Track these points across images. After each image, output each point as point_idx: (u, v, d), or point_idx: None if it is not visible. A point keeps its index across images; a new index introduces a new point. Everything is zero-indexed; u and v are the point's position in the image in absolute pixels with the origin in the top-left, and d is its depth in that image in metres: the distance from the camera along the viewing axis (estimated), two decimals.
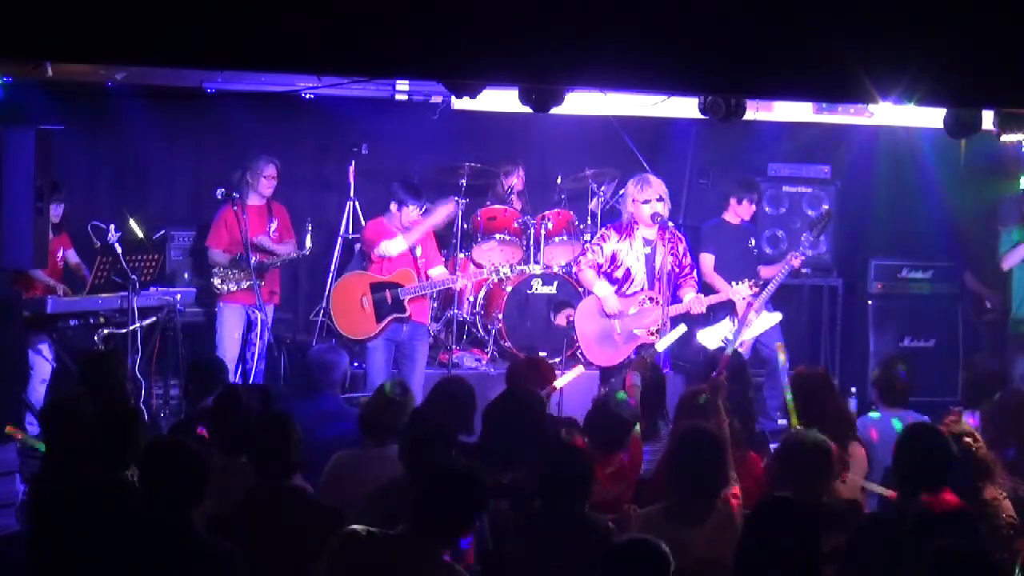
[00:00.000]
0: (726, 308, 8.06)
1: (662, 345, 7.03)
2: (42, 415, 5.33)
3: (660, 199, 7.58)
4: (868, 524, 4.34)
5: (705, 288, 7.98)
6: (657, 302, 7.48)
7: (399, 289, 7.74)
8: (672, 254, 7.61)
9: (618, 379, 6.42)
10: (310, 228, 8.23)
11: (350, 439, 5.40)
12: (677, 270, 7.67)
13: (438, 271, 7.98)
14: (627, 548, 3.71)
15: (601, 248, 7.70)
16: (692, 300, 7.59)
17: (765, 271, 8.24)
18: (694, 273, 7.80)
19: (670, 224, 7.70)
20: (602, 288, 7.65)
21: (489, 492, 4.67)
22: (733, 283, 7.81)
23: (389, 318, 7.74)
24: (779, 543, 3.75)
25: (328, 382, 6.13)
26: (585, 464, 4.43)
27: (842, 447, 5.18)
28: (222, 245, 7.99)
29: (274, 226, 8.11)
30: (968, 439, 4.90)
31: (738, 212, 8.42)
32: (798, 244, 8.28)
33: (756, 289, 7.78)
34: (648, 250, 7.67)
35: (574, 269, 7.96)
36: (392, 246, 7.77)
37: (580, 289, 8.41)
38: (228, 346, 7.91)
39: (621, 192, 8.30)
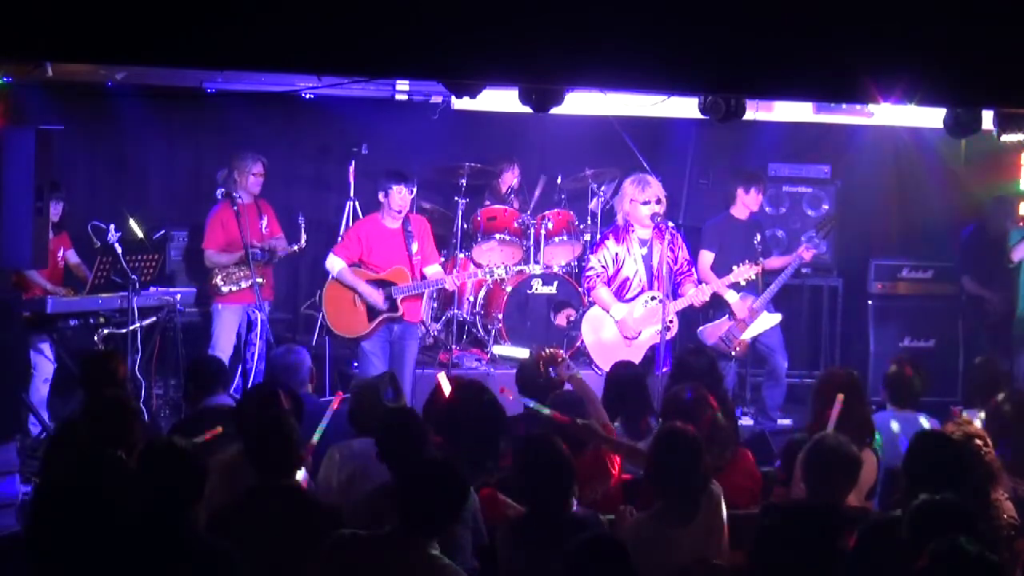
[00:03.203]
0: (725, 307, 8.06)
1: (750, 334, 7.65)
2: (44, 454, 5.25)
3: (659, 200, 7.58)
4: (872, 526, 4.34)
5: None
6: (660, 300, 7.47)
7: (392, 288, 7.70)
8: (670, 250, 7.60)
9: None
10: (303, 224, 8.21)
11: (334, 437, 5.36)
12: (675, 267, 7.66)
13: (433, 270, 7.89)
14: (585, 545, 3.72)
15: (604, 256, 7.68)
16: (694, 293, 7.58)
17: (771, 262, 8.23)
18: (692, 270, 7.79)
19: (670, 224, 7.70)
20: (618, 311, 7.62)
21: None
22: (734, 266, 7.75)
23: (381, 317, 7.71)
24: (797, 549, 3.75)
25: (296, 382, 6.11)
26: (560, 460, 4.39)
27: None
28: (219, 246, 7.96)
29: (264, 223, 8.08)
30: (979, 441, 4.90)
31: (746, 203, 8.34)
32: (798, 244, 8.29)
33: (758, 268, 7.74)
34: (645, 250, 7.66)
35: (587, 286, 7.88)
36: (332, 263, 7.75)
37: (580, 289, 8.41)
38: (224, 347, 7.87)
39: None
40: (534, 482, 4.37)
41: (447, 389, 5.58)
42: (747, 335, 8.02)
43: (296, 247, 8.20)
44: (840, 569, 3.90)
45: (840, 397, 5.27)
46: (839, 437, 4.75)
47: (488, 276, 8.25)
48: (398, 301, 7.69)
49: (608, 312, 7.67)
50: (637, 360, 7.44)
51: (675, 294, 7.64)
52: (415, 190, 7.93)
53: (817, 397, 5.59)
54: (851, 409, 5.34)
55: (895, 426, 5.89)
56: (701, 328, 8.17)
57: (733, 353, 8.05)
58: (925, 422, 5.91)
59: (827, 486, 4.55)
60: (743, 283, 7.79)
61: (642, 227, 7.64)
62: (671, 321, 7.42)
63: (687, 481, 4.45)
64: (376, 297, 7.64)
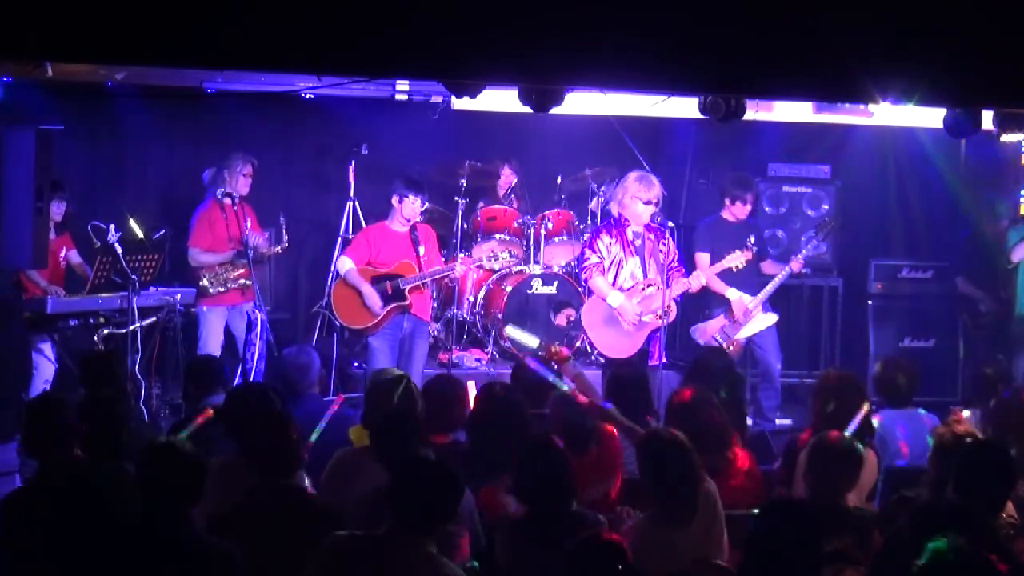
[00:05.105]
0: (721, 305, 8.05)
1: (744, 333, 7.72)
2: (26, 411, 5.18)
3: (658, 202, 7.63)
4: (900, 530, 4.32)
5: (704, 287, 7.95)
6: (657, 287, 7.50)
7: (400, 279, 7.73)
8: (662, 246, 7.63)
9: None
10: (284, 223, 8.20)
11: (335, 439, 5.35)
12: (666, 261, 7.68)
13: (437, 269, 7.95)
14: (583, 545, 3.72)
15: (599, 248, 7.70)
16: (687, 280, 7.56)
17: (767, 267, 8.23)
18: (682, 267, 7.79)
19: (669, 224, 7.71)
20: (616, 298, 7.63)
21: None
22: (726, 255, 7.75)
23: (390, 307, 7.73)
24: (785, 545, 3.75)
25: (306, 383, 6.13)
26: (560, 461, 4.41)
27: None
28: (205, 245, 7.93)
29: (248, 224, 8.06)
30: (970, 440, 4.89)
31: (732, 212, 8.32)
32: (799, 244, 8.27)
33: (750, 255, 7.72)
34: (639, 242, 7.70)
35: (584, 276, 7.88)
36: (342, 263, 7.81)
37: (580, 289, 8.41)
38: (212, 349, 7.85)
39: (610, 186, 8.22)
40: (534, 482, 4.38)
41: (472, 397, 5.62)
42: (742, 335, 8.01)
43: (279, 248, 8.19)
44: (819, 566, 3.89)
45: (865, 408, 5.30)
46: (842, 435, 4.76)
47: (494, 262, 8.28)
48: (406, 291, 7.72)
49: (606, 300, 7.68)
50: (637, 346, 7.57)
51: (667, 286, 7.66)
52: (427, 202, 7.96)
53: (817, 397, 5.59)
54: (851, 409, 5.34)
55: (894, 426, 5.89)
56: (694, 327, 8.14)
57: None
58: (925, 420, 5.90)
59: (829, 483, 4.55)
60: (735, 269, 7.76)
61: (636, 224, 7.67)
62: (669, 306, 7.44)
63: (679, 483, 4.45)
64: (375, 300, 7.67)
